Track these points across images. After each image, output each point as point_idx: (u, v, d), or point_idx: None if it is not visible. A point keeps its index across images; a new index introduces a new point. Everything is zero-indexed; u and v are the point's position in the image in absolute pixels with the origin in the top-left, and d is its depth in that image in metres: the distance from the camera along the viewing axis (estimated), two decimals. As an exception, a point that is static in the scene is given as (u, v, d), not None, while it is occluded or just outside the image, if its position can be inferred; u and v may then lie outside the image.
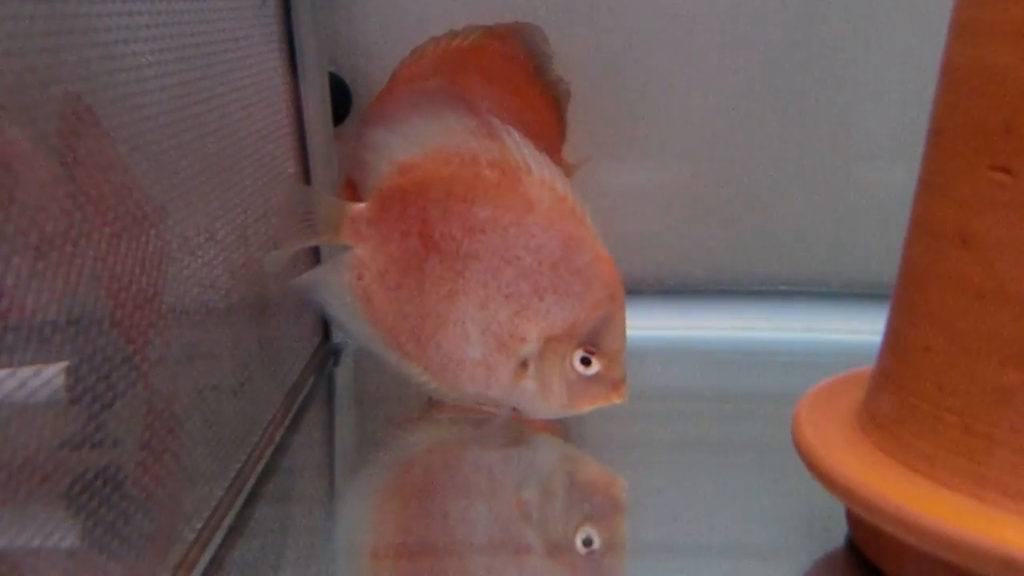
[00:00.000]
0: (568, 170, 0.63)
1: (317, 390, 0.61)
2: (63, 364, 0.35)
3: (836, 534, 0.40)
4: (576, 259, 0.47)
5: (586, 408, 0.49)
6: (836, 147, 0.68)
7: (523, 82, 0.63)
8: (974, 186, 0.33)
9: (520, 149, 0.47)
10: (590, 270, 0.47)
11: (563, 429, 0.54)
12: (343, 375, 0.65)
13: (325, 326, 0.67)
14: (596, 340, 0.47)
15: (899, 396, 0.36)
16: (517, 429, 0.53)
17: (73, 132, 0.36)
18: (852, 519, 0.39)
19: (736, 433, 0.53)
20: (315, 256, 0.64)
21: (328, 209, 0.52)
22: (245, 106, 0.53)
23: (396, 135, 0.49)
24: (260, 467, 0.49)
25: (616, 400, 0.49)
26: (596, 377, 0.48)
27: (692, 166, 0.70)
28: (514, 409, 0.51)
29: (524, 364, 0.49)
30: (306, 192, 0.57)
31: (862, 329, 0.64)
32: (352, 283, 0.51)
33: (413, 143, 0.49)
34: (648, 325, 0.67)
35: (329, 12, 0.67)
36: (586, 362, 0.48)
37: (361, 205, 0.51)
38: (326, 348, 0.67)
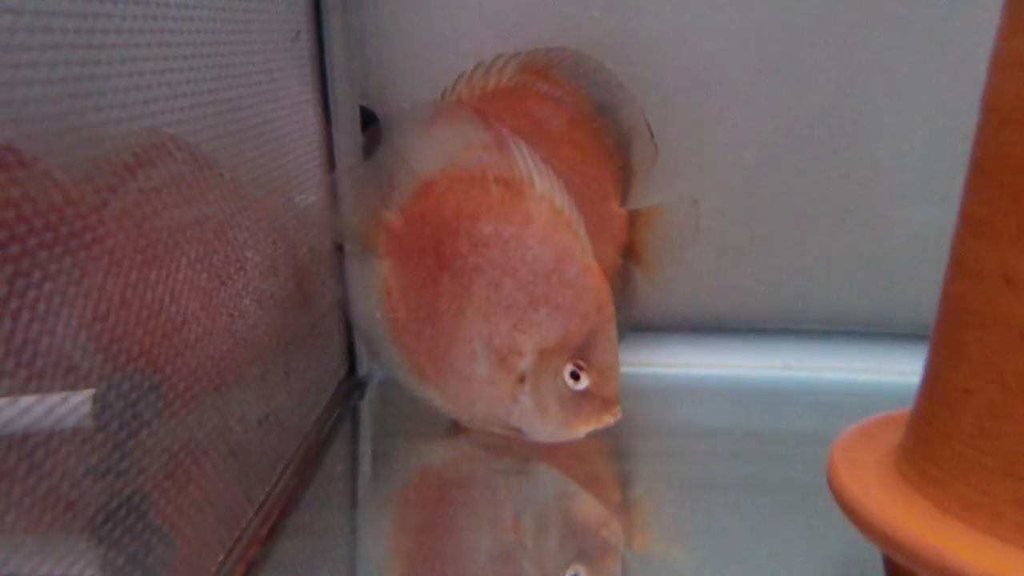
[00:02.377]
0: (624, 219, 0.62)
1: (342, 423, 0.60)
2: (90, 391, 0.35)
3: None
4: (567, 271, 0.47)
5: (581, 430, 0.49)
6: (868, 187, 0.68)
7: (567, 129, 0.60)
8: (1018, 224, 0.32)
9: (526, 162, 0.47)
10: (579, 282, 0.47)
11: (591, 467, 0.54)
12: (368, 408, 0.64)
13: (351, 359, 0.67)
14: (585, 354, 0.48)
15: (939, 439, 0.35)
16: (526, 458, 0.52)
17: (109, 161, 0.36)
18: (890, 566, 0.38)
19: (767, 474, 0.52)
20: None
21: (371, 214, 0.53)
22: (277, 137, 0.53)
23: (421, 148, 0.50)
24: (284, 499, 0.48)
25: (608, 420, 0.49)
26: (588, 394, 0.48)
27: (724, 205, 0.69)
28: (517, 431, 0.51)
29: (522, 379, 0.49)
30: (359, 188, 0.57)
31: (894, 369, 0.63)
32: (382, 299, 0.52)
33: (435, 157, 0.50)
34: (678, 363, 0.67)
35: (361, 45, 0.67)
36: (575, 376, 0.48)
37: (394, 217, 0.52)
38: (351, 381, 0.66)
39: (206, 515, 0.42)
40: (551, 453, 0.54)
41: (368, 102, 0.69)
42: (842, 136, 0.67)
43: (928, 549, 0.31)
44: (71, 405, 0.33)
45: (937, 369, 0.36)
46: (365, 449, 0.59)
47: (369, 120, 0.68)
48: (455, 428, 0.55)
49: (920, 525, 0.33)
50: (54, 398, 0.32)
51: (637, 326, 0.67)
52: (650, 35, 0.65)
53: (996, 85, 0.34)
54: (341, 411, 0.62)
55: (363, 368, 0.67)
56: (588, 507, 0.51)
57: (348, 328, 0.66)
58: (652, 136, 0.61)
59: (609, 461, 0.55)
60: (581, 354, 0.48)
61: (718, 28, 0.65)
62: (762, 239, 0.69)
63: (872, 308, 0.69)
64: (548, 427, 0.49)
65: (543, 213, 0.47)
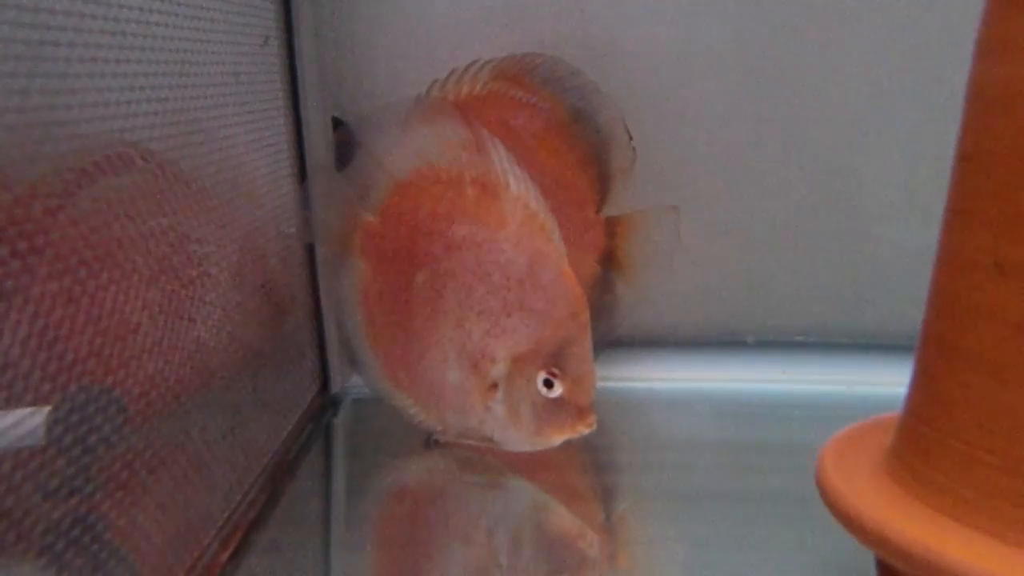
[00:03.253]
0: (604, 226, 0.60)
1: (314, 440, 0.58)
2: (45, 407, 0.33)
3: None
4: (541, 276, 0.46)
5: (554, 438, 0.48)
6: (850, 203, 0.67)
7: (543, 135, 0.58)
8: (1009, 211, 0.31)
9: (502, 163, 0.46)
10: (553, 287, 0.46)
11: (568, 480, 0.52)
12: (341, 426, 0.62)
13: (324, 375, 0.65)
14: (559, 361, 0.46)
15: (933, 437, 0.33)
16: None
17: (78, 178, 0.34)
18: (884, 572, 0.36)
19: (752, 484, 0.51)
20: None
21: (348, 215, 0.52)
22: (244, 143, 0.51)
23: (398, 148, 0.49)
24: (250, 518, 0.46)
25: (583, 429, 0.47)
26: (561, 402, 0.47)
27: (708, 219, 0.68)
28: (491, 441, 0.49)
29: (494, 386, 0.48)
30: (333, 188, 0.55)
31: (879, 381, 0.62)
32: (360, 301, 0.51)
33: (412, 158, 0.49)
34: (665, 377, 0.65)
35: (334, 56, 0.66)
36: (549, 384, 0.46)
37: (372, 218, 0.51)
38: (324, 398, 0.64)
39: (166, 533, 0.40)
40: (527, 466, 0.52)
41: (341, 113, 0.67)
42: (824, 152, 0.66)
43: (927, 551, 0.30)
44: (22, 421, 0.31)
45: (928, 365, 0.35)
46: (338, 466, 0.57)
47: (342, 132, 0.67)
48: (429, 443, 0.53)
49: (916, 527, 0.31)
50: (6, 415, 0.30)
51: (619, 341, 0.66)
52: (628, 43, 0.64)
53: (981, 72, 0.33)
54: (313, 428, 0.59)
55: (336, 385, 0.65)
56: (564, 521, 0.49)
57: (321, 344, 0.64)
58: (631, 139, 0.60)
59: (587, 474, 0.53)
60: (555, 361, 0.46)
61: (698, 38, 0.64)
62: (743, 254, 0.68)
63: (858, 319, 0.68)
64: (521, 436, 0.48)
65: (518, 216, 0.46)
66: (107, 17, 0.36)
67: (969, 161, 0.33)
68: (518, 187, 0.46)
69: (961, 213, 0.34)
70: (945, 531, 0.31)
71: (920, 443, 0.34)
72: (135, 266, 0.38)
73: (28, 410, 0.32)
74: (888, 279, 0.67)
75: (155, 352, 0.39)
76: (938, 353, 0.34)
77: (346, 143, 0.66)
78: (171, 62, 0.42)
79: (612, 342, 0.63)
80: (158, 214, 0.41)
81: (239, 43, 0.51)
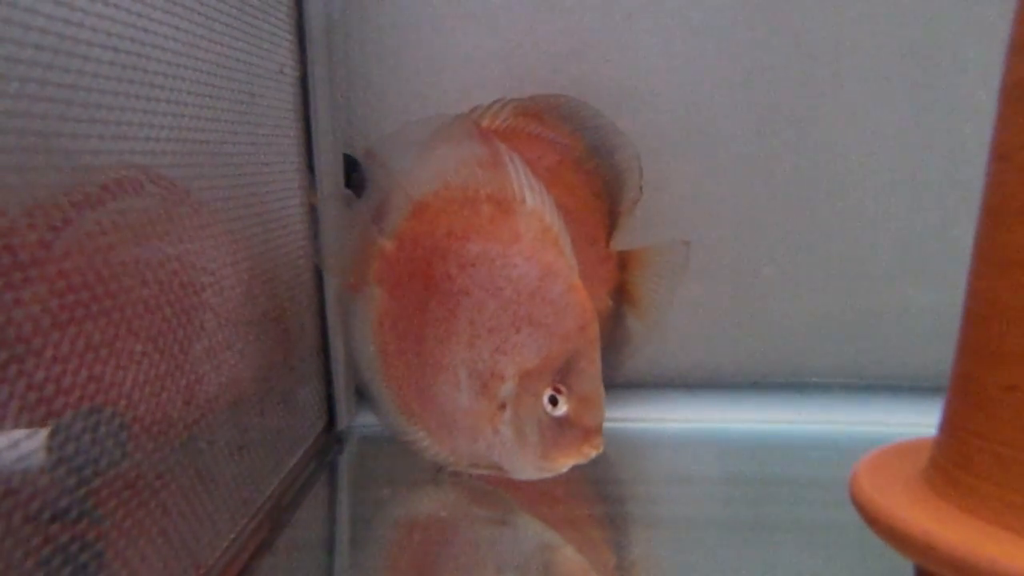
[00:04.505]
0: (615, 259, 0.60)
1: (318, 476, 0.56)
2: (45, 430, 0.32)
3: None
4: (551, 289, 0.45)
5: (560, 463, 0.46)
6: (860, 245, 0.66)
7: (557, 169, 0.59)
8: (1049, 207, 0.30)
9: (519, 178, 0.46)
10: (562, 300, 0.45)
11: (577, 515, 0.50)
12: (346, 463, 0.60)
13: (330, 412, 0.63)
14: (566, 378, 0.45)
15: (975, 444, 0.32)
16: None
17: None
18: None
19: (769, 516, 0.50)
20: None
21: (365, 241, 0.51)
22: (255, 166, 0.51)
23: (415, 169, 0.48)
24: (252, 548, 0.44)
25: (589, 452, 0.46)
26: (568, 422, 0.45)
27: (718, 263, 0.67)
28: (499, 468, 0.48)
29: (503, 406, 0.46)
30: (347, 217, 0.54)
31: (896, 422, 0.61)
32: (374, 331, 0.50)
33: (429, 178, 0.48)
34: (676, 418, 0.64)
35: (347, 94, 0.66)
36: (554, 401, 0.45)
37: (387, 243, 0.50)
38: (330, 435, 0.62)
39: (165, 557, 0.38)
40: (536, 502, 0.50)
41: (352, 150, 0.67)
42: (843, 187, 0.66)
43: (978, 558, 0.28)
44: (22, 443, 0.30)
45: (968, 371, 0.33)
46: (342, 501, 0.55)
47: (353, 169, 0.67)
48: (440, 477, 0.51)
49: (963, 535, 0.30)
50: (5, 437, 0.29)
51: (631, 382, 0.65)
52: (633, 85, 0.65)
53: (1014, 70, 0.33)
54: (318, 465, 0.58)
55: (343, 422, 0.63)
56: (572, 562, 0.47)
57: (328, 380, 0.63)
58: (641, 177, 0.60)
59: (595, 507, 0.51)
60: (562, 378, 0.45)
61: (706, 79, 0.65)
62: (756, 298, 0.68)
63: (867, 361, 0.67)
64: (527, 459, 0.46)
65: (531, 230, 0.46)
66: (126, 36, 0.35)
67: (1005, 161, 0.32)
68: (534, 200, 0.46)
69: (996, 214, 0.33)
70: (994, 538, 0.29)
71: (962, 451, 0.32)
72: (140, 290, 0.37)
73: (25, 432, 0.30)
74: (904, 322, 0.66)
75: (159, 376, 0.38)
76: (979, 358, 0.33)
77: (359, 181, 0.66)
78: (187, 80, 0.42)
79: (626, 383, 0.62)
80: (165, 238, 0.40)
81: (255, 67, 0.51)
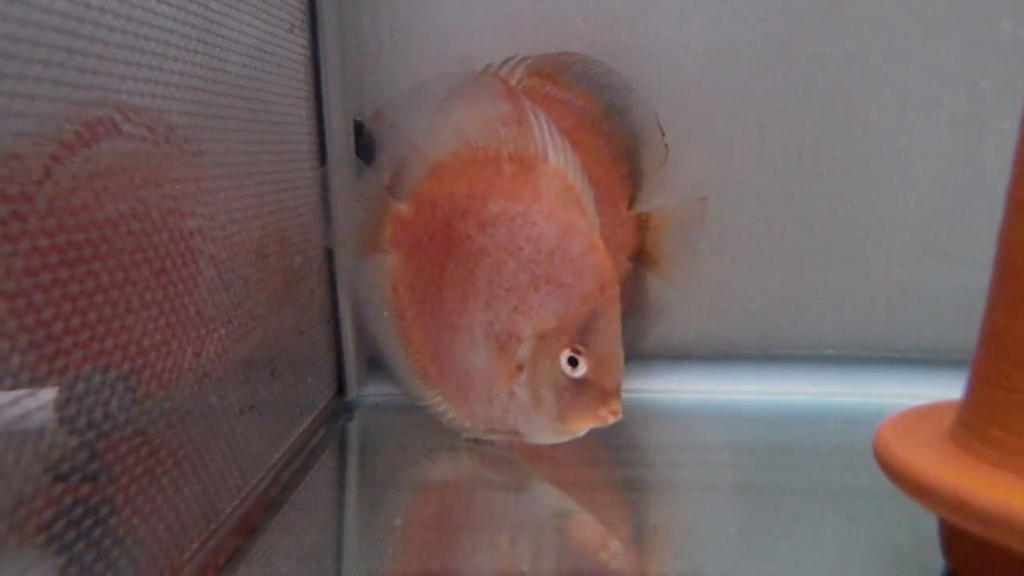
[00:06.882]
0: (634, 222, 0.59)
1: (328, 443, 0.55)
2: (54, 388, 0.31)
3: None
4: (571, 247, 0.44)
5: (577, 426, 0.45)
6: (880, 217, 0.65)
7: (574, 132, 0.57)
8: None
9: (543, 134, 0.44)
10: (582, 259, 0.44)
11: (594, 480, 0.49)
12: (355, 431, 0.59)
13: (339, 381, 0.62)
14: (585, 338, 0.44)
15: (1004, 398, 0.31)
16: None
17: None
18: (951, 550, 0.34)
19: (785, 481, 0.49)
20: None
21: (378, 206, 0.50)
22: (266, 123, 0.50)
23: (436, 129, 0.47)
24: (262, 505, 0.44)
25: (607, 417, 0.44)
26: (586, 384, 0.44)
27: (738, 234, 0.66)
28: (516, 433, 0.47)
29: (520, 368, 0.45)
30: (358, 183, 0.53)
31: (913, 394, 0.60)
32: (389, 297, 0.49)
33: (449, 138, 0.47)
34: (696, 389, 0.63)
35: (357, 60, 0.65)
36: (573, 362, 0.44)
37: (403, 206, 0.49)
38: (338, 403, 0.62)
39: (170, 526, 0.37)
40: (551, 467, 0.50)
41: (363, 116, 0.66)
42: (866, 156, 0.64)
43: (1007, 510, 0.27)
44: (32, 402, 0.29)
45: (1001, 326, 0.32)
46: (352, 465, 0.54)
47: (360, 134, 0.66)
48: (453, 440, 0.51)
49: (992, 488, 0.29)
50: (13, 395, 0.28)
51: (648, 353, 0.64)
52: (650, 48, 0.63)
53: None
54: (327, 432, 0.57)
55: (352, 392, 0.63)
56: (588, 528, 0.46)
57: (339, 348, 0.62)
58: (663, 136, 0.58)
59: (613, 471, 0.50)
60: (580, 338, 0.44)
61: (724, 41, 0.64)
62: (774, 270, 0.66)
63: (886, 334, 0.66)
64: (543, 422, 0.45)
65: (553, 189, 0.44)
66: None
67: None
68: (557, 158, 0.44)
69: None
70: (1021, 491, 0.28)
71: (991, 406, 0.32)
72: (131, 239, 0.35)
73: (28, 391, 0.30)
74: (922, 295, 0.65)
75: (165, 330, 0.37)
76: (1012, 312, 0.32)
77: (368, 146, 0.65)
78: (197, 27, 0.41)
79: (644, 355, 0.61)
80: (150, 181, 0.37)
81: (266, 22, 0.50)
